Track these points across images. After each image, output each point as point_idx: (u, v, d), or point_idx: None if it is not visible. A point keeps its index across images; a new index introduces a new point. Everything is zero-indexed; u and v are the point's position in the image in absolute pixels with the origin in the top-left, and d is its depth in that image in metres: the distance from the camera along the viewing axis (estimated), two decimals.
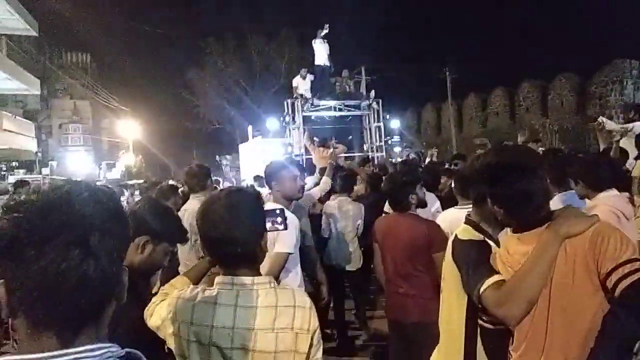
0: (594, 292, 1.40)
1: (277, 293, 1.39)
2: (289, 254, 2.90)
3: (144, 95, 30.96)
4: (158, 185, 5.37)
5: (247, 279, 1.39)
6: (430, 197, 3.77)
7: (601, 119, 6.17)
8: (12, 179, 15.70)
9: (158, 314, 1.45)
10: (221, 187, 7.63)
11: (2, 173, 19.65)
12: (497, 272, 1.54)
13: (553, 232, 1.45)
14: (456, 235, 1.83)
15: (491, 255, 1.67)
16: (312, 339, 1.37)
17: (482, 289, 1.52)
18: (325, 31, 12.69)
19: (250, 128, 15.80)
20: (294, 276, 3.04)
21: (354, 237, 4.75)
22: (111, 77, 32.45)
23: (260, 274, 1.44)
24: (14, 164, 21.51)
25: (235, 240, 1.39)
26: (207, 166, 4.24)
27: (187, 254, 3.66)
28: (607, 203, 2.76)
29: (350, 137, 12.90)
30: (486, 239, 1.76)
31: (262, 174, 3.51)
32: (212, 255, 1.53)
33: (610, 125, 6.15)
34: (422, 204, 3.16)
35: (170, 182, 8.21)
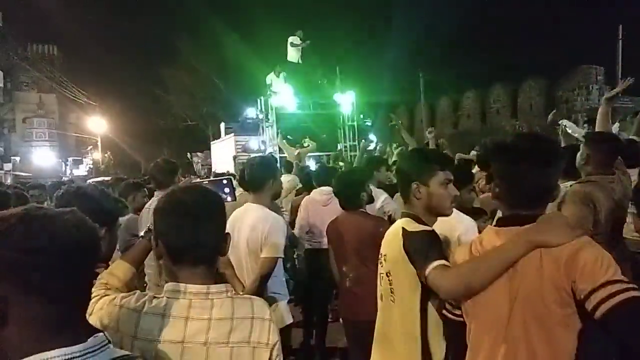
0: (562, 309, 1.34)
1: (234, 303, 1.27)
2: (279, 258, 2.77)
3: (113, 90, 30.25)
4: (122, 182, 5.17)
5: (202, 287, 1.25)
6: (377, 192, 3.77)
7: (563, 121, 6.41)
8: None
9: (97, 316, 1.28)
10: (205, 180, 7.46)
11: None
12: (446, 258, 1.63)
13: (526, 236, 1.38)
14: (404, 229, 1.85)
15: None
16: (271, 353, 1.26)
17: (429, 269, 1.60)
18: (298, 37, 12.73)
19: (222, 125, 15.56)
20: (280, 282, 2.93)
21: None
22: (80, 71, 31.53)
23: (213, 281, 1.29)
24: None
25: (197, 243, 1.26)
26: (174, 162, 4.08)
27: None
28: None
29: (324, 135, 12.85)
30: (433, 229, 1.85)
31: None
32: (168, 257, 1.33)
33: (572, 128, 6.38)
34: (370, 200, 3.20)
35: (138, 179, 7.98)
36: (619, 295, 1.24)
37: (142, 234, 1.72)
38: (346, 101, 13.18)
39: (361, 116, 13.93)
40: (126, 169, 29.53)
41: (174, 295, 1.26)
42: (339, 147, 13.06)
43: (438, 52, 24.35)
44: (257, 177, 2.87)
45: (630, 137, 4.44)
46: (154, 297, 1.28)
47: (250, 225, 2.76)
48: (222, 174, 7.34)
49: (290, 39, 12.94)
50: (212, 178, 5.48)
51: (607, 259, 1.32)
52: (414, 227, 1.83)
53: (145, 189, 4.48)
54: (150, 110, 30.72)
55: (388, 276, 1.94)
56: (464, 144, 9.33)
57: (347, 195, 3.12)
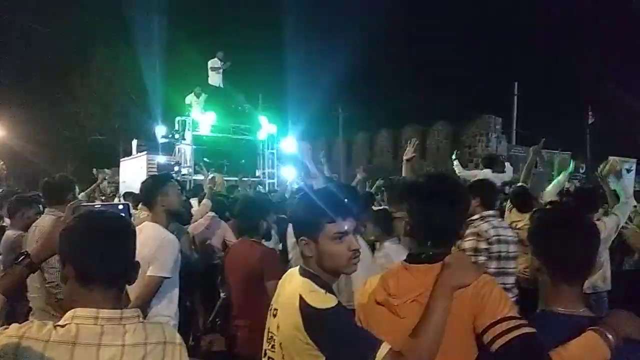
0: (464, 345, 1.44)
1: (147, 328, 1.25)
2: (165, 278, 2.68)
3: (12, 94, 27.61)
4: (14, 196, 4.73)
5: (115, 312, 1.22)
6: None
7: (456, 163, 7.23)
8: None
9: None
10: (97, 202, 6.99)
11: None
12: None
13: (447, 282, 1.46)
14: (306, 302, 1.48)
15: (373, 281, 1.68)
16: None
17: None
18: (218, 59, 12.73)
19: (134, 142, 14.87)
20: (167, 304, 2.78)
21: None
22: None
23: (122, 306, 1.28)
24: None
25: (110, 266, 1.24)
26: (70, 178, 3.83)
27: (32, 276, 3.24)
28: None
29: (243, 161, 12.79)
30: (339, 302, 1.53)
31: (137, 191, 3.26)
32: (78, 280, 1.26)
33: (460, 171, 7.14)
34: (267, 234, 3.14)
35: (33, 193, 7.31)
36: (513, 331, 1.35)
37: (19, 259, 1.57)
38: (267, 128, 13.30)
39: (281, 144, 14.10)
40: (21, 181, 26.86)
41: (85, 322, 1.20)
42: (257, 174, 13.05)
43: (357, 88, 25.41)
44: (146, 192, 2.90)
45: (520, 184, 4.97)
46: (58, 325, 1.20)
47: (140, 242, 2.68)
48: (131, 193, 7.00)
49: (210, 63, 12.89)
50: (105, 203, 5.28)
51: (504, 297, 1.45)
52: (320, 300, 1.49)
53: (40, 206, 4.16)
54: (56, 120, 28.46)
55: (281, 347, 1.58)
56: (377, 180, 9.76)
57: (243, 221, 3.06)
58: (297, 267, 1.67)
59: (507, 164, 7.55)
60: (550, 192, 5.11)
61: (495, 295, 1.44)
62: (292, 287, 1.59)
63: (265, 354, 1.68)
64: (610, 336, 1.34)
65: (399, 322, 1.52)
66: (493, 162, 6.97)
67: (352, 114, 27.85)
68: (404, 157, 3.81)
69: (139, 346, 1.21)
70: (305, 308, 1.47)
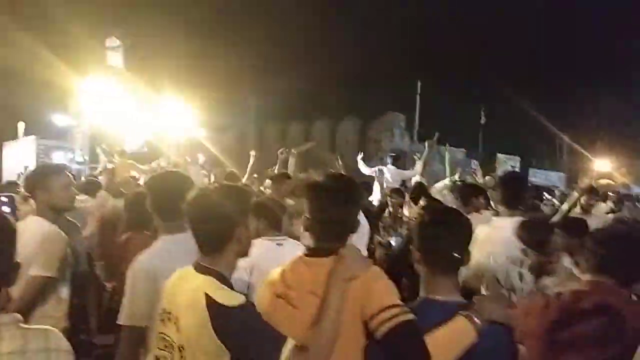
0: (354, 334, 1.54)
1: (26, 334, 1.14)
2: (49, 277, 2.47)
3: None
4: None
5: None
6: None
7: (361, 163, 7.61)
8: None
9: None
10: None
11: None
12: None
13: (341, 274, 1.55)
14: (214, 299, 1.47)
15: (275, 273, 1.74)
16: None
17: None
18: (116, 38, 11.97)
19: (21, 125, 13.45)
20: (55, 305, 2.59)
21: None
22: None
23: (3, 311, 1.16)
24: None
25: None
26: None
27: None
28: None
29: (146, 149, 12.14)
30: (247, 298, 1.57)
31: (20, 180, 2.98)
32: None
33: (361, 165, 7.56)
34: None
35: None
36: (395, 318, 1.47)
37: None
38: (176, 112, 12.69)
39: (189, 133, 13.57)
40: None
41: None
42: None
43: (270, 77, 25.16)
44: (29, 183, 2.73)
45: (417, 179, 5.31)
46: None
47: (23, 239, 2.46)
48: (14, 182, 6.32)
49: (107, 42, 12.04)
50: None
51: (390, 287, 1.58)
52: (229, 297, 1.50)
53: None
54: None
55: (181, 351, 1.53)
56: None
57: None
58: (189, 266, 1.64)
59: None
60: (437, 188, 5.50)
61: (381, 286, 1.57)
62: (192, 286, 1.55)
63: None
64: (477, 320, 1.53)
65: (296, 313, 1.60)
66: (397, 160, 7.39)
67: (265, 103, 27.59)
68: (293, 150, 3.92)
69: (16, 354, 1.10)
70: (213, 306, 1.46)
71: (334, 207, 1.65)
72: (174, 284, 1.66)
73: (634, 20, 28.01)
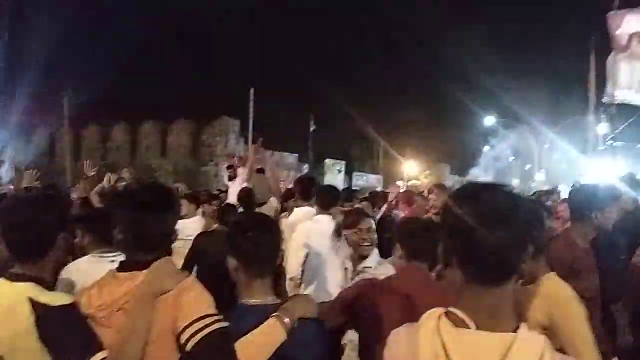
0: (167, 350, 1.46)
1: None
2: None
3: None
4: None
5: None
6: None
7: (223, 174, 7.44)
8: None
9: None
10: None
11: None
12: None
13: (145, 290, 1.48)
14: (41, 303, 1.47)
15: (85, 292, 1.59)
16: None
17: None
18: None
19: None
20: None
21: None
22: None
23: None
24: None
25: None
26: None
27: None
28: None
29: None
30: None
31: None
32: None
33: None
34: None
35: None
36: (205, 329, 1.42)
37: None
38: None
39: None
40: None
41: None
42: None
43: (85, 73, 22.60)
44: None
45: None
46: None
47: None
48: None
49: None
50: None
51: (203, 298, 1.52)
52: (51, 297, 1.51)
53: None
54: None
55: None
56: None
57: None
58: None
59: None
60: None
61: (192, 298, 1.50)
62: (8, 295, 1.51)
63: None
64: (286, 319, 1.59)
65: (109, 333, 1.48)
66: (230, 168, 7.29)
67: (82, 101, 24.60)
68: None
69: None
70: (40, 309, 1.46)
71: (149, 219, 1.57)
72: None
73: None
